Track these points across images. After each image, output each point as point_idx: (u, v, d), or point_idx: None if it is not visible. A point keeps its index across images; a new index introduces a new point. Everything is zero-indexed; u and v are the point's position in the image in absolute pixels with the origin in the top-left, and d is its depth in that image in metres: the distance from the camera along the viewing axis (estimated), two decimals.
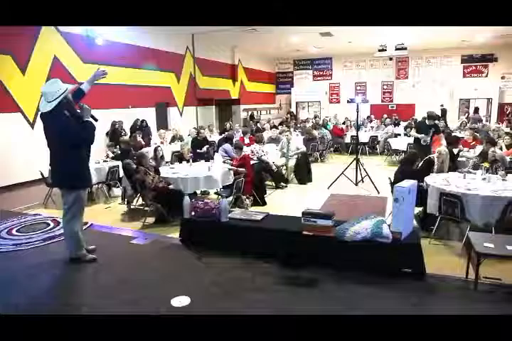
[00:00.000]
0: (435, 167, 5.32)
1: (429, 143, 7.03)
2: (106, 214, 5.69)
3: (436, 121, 7.82)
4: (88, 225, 4.95)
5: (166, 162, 7.39)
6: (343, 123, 13.15)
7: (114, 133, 9.21)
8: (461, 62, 16.79)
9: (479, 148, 6.77)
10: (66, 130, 3.46)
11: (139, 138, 8.90)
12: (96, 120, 3.75)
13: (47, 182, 6.04)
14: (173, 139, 9.93)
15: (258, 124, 13.22)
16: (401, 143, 9.80)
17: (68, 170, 3.58)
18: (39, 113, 3.69)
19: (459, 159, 6.49)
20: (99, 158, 7.15)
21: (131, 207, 5.88)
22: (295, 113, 18.89)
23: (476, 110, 14.25)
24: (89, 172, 3.84)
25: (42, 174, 6.15)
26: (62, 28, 8.34)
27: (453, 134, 9.22)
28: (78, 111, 3.65)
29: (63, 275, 3.61)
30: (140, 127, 10.06)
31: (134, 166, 5.45)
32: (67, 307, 2.98)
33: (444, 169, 5.36)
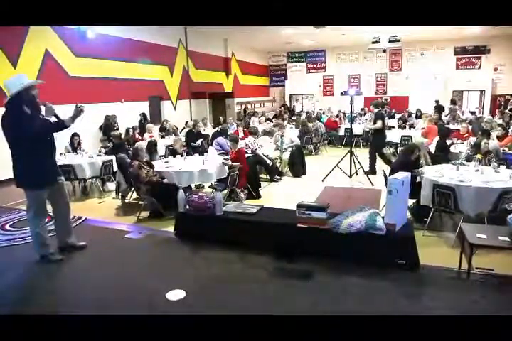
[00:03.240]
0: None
1: (371, 129, 7.97)
2: (100, 209, 5.67)
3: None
4: (82, 220, 4.94)
5: (160, 156, 7.36)
6: (337, 115, 13.15)
7: (107, 128, 9.14)
8: (455, 54, 16.79)
9: (472, 140, 6.81)
10: (18, 124, 3.27)
11: (132, 133, 8.86)
12: (60, 120, 3.54)
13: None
14: (167, 133, 9.87)
15: (252, 117, 13.17)
16: (395, 136, 9.82)
17: (20, 167, 3.45)
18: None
19: (451, 151, 6.54)
20: (93, 152, 7.11)
21: (126, 201, 5.86)
22: (289, 106, 18.82)
23: (453, 102, 14.45)
24: (46, 171, 3.58)
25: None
26: None
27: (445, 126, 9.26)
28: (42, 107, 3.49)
29: (58, 270, 3.59)
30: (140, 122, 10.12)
31: (128, 160, 5.42)
32: (62, 303, 2.97)
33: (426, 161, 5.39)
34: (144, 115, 10.58)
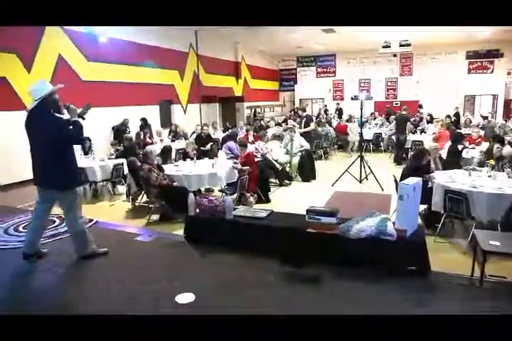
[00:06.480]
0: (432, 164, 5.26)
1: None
2: (110, 212, 5.72)
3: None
4: (93, 222, 4.98)
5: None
6: (347, 120, 13.11)
7: (118, 131, 9.23)
8: (466, 58, 16.65)
9: (484, 145, 6.73)
10: (56, 128, 3.40)
11: (142, 137, 8.94)
12: (83, 119, 3.67)
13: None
14: (178, 137, 9.94)
15: (262, 122, 13.17)
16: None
17: (62, 170, 3.51)
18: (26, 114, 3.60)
19: (463, 156, 6.46)
20: (104, 155, 7.20)
21: (136, 204, 5.91)
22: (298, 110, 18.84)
23: (420, 106, 14.87)
24: (78, 169, 3.87)
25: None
26: (66, 27, 8.35)
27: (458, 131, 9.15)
28: (65, 111, 3.64)
29: (68, 272, 3.63)
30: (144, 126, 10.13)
31: (139, 163, 5.47)
32: (71, 304, 3.00)
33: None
34: (144, 120, 10.22)
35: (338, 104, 17.87)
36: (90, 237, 3.84)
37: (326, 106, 18.03)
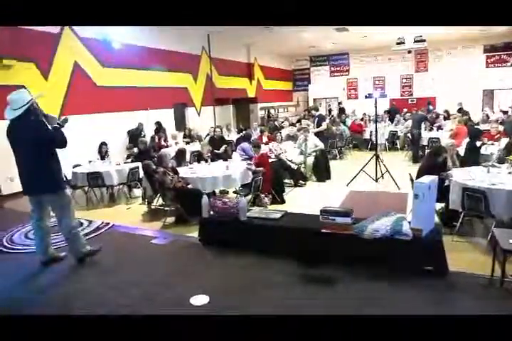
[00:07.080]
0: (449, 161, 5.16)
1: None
2: (127, 215, 5.80)
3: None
4: (110, 226, 5.06)
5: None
6: (361, 119, 12.97)
7: (134, 135, 9.36)
8: (484, 52, 16.25)
9: (504, 141, 6.56)
10: (42, 132, 3.48)
11: (157, 140, 9.04)
12: (62, 126, 3.67)
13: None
14: (192, 139, 10.00)
15: (276, 122, 13.14)
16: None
17: (49, 173, 3.58)
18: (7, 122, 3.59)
19: (482, 152, 6.30)
20: (120, 159, 7.31)
21: (152, 207, 5.97)
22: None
23: (428, 103, 14.74)
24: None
25: (65, 177, 6.30)
26: (81, 34, 8.52)
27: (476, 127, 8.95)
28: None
29: (84, 274, 3.68)
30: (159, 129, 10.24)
31: (154, 167, 5.52)
32: (87, 305, 3.04)
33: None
34: (158, 123, 10.24)
35: (341, 103, 17.74)
36: (83, 240, 3.91)
37: (329, 105, 18.11)
